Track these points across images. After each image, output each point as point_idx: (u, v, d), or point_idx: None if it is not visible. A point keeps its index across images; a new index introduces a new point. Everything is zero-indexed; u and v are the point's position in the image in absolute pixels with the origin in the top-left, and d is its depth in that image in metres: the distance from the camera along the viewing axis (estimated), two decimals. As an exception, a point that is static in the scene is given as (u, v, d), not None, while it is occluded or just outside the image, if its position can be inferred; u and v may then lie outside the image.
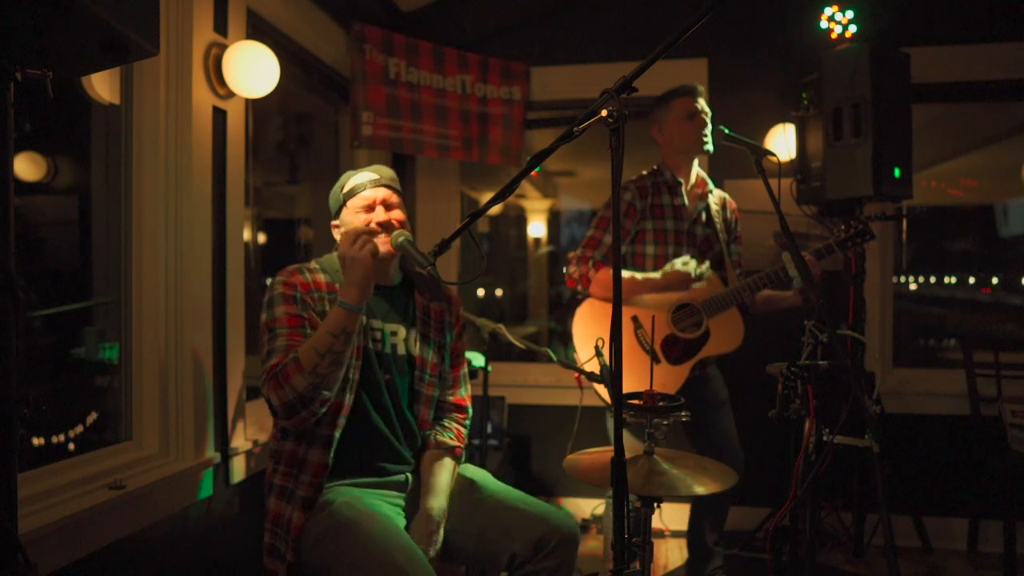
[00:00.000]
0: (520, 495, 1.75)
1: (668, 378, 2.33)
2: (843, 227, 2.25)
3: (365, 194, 1.73)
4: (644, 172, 2.49)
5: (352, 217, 1.73)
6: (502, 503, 1.72)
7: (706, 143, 2.40)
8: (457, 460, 1.82)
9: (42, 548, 1.53)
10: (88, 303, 2.10)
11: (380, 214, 1.71)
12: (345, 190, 1.75)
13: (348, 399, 1.66)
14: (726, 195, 2.60)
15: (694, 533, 2.55)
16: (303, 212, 3.38)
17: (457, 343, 1.91)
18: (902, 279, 4.12)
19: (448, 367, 1.88)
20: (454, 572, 1.88)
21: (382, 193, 1.74)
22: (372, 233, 1.62)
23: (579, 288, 2.39)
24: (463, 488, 1.78)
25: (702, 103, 2.41)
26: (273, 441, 1.73)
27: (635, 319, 2.35)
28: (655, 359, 2.34)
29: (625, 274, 2.33)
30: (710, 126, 2.40)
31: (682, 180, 2.43)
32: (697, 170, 2.50)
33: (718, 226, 2.48)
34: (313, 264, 1.76)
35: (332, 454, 1.65)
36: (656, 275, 2.31)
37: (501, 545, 1.64)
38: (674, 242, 2.41)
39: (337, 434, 1.65)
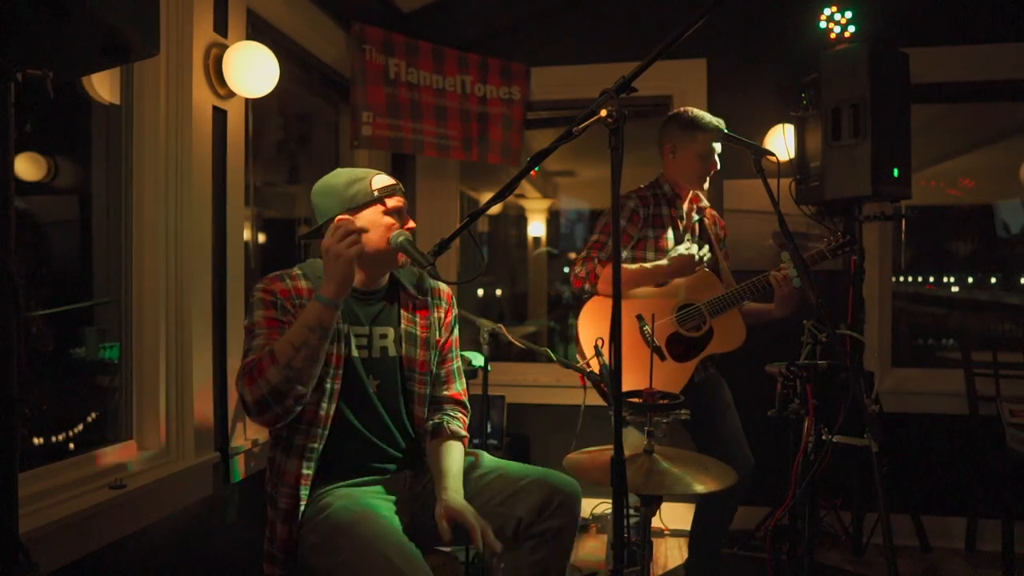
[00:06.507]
0: (519, 465, 1.77)
1: (673, 374, 2.38)
2: (836, 236, 2.39)
3: (398, 198, 1.72)
4: (643, 184, 2.54)
5: (381, 217, 1.69)
6: (503, 475, 1.73)
7: (705, 184, 2.50)
8: (465, 448, 1.82)
9: (43, 547, 1.54)
10: (88, 303, 2.10)
11: (410, 222, 1.72)
12: (378, 187, 1.70)
13: (329, 409, 1.65)
14: (715, 212, 2.69)
15: (697, 534, 2.55)
16: (303, 212, 3.37)
17: (448, 338, 1.89)
18: (901, 279, 4.13)
19: (439, 363, 1.87)
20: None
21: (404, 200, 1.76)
22: (360, 231, 1.57)
23: (586, 287, 2.42)
24: (465, 469, 1.78)
25: (719, 147, 2.47)
26: (268, 448, 1.73)
27: (639, 317, 2.37)
28: (661, 356, 2.37)
29: (632, 265, 2.38)
30: (717, 169, 2.47)
31: (680, 194, 2.52)
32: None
33: (711, 238, 2.57)
34: (295, 270, 1.72)
35: (312, 466, 1.64)
36: (663, 262, 2.38)
37: (506, 514, 1.66)
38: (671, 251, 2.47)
39: (317, 445, 1.64)
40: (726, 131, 2.42)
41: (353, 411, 1.69)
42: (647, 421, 1.56)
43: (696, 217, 2.55)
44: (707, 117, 2.42)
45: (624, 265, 2.33)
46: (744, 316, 2.47)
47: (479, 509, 1.67)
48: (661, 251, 2.45)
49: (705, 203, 2.60)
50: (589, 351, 2.36)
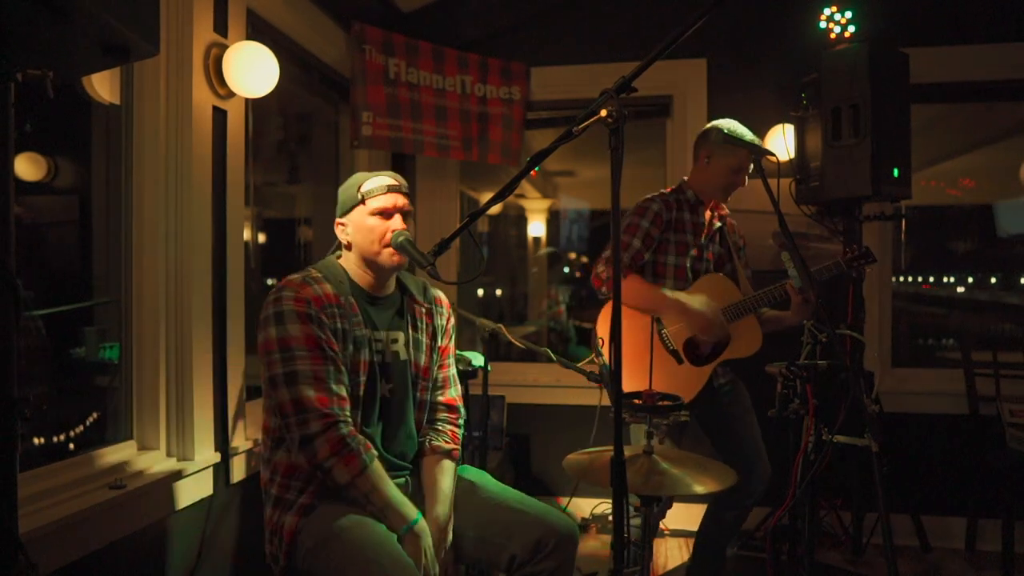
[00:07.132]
0: (519, 496, 1.75)
1: (691, 377, 2.38)
2: (849, 249, 2.38)
3: (386, 197, 1.68)
4: (667, 190, 2.54)
5: (365, 219, 1.67)
6: (502, 504, 1.72)
7: (728, 196, 2.50)
8: (455, 462, 1.81)
9: (43, 547, 1.53)
10: (89, 303, 2.10)
11: (398, 222, 1.68)
12: (364, 188, 1.69)
13: (357, 416, 1.65)
14: (735, 222, 2.67)
15: (704, 535, 2.55)
16: (303, 212, 3.38)
17: (447, 343, 1.89)
18: (901, 279, 4.13)
19: (437, 368, 1.87)
20: (454, 572, 1.89)
21: (402, 200, 1.70)
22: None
23: (603, 289, 2.40)
24: (464, 490, 1.78)
25: (752, 166, 2.45)
26: (265, 450, 1.70)
27: (658, 320, 2.38)
28: (678, 359, 2.39)
29: (660, 289, 2.36)
30: (743, 185, 2.46)
31: (703, 201, 2.51)
32: None
33: (731, 247, 2.57)
34: (315, 273, 1.68)
35: None
36: (687, 302, 2.32)
37: (500, 546, 1.65)
38: (693, 256, 2.48)
39: None
40: (764, 149, 2.40)
41: (365, 417, 1.68)
42: (648, 422, 1.55)
43: (718, 224, 2.54)
44: (748, 134, 2.40)
45: (651, 287, 2.35)
46: (762, 324, 2.46)
47: (475, 533, 1.69)
48: (681, 255, 2.45)
49: (727, 211, 2.60)
50: (607, 351, 2.35)
